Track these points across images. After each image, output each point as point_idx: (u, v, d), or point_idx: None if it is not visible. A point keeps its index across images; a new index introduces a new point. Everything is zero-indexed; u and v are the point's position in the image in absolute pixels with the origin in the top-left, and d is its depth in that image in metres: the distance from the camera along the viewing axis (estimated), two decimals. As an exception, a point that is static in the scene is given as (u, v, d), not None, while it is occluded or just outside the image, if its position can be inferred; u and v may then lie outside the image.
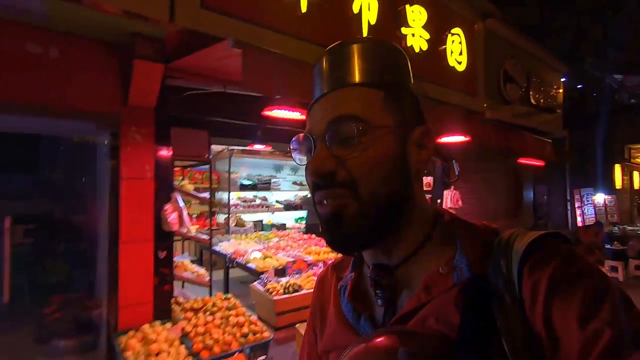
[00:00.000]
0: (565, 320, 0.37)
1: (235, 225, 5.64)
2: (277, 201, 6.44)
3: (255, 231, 5.37)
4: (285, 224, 6.05)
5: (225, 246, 4.16)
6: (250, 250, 3.77)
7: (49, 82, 1.95)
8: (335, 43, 0.51)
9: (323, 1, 2.51)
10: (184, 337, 2.16)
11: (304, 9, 2.25)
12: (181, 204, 2.34)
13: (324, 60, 0.51)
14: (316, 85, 0.52)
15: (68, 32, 1.99)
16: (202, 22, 1.83)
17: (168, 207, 2.27)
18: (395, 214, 0.47)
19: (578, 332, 0.36)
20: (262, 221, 5.97)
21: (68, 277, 2.75)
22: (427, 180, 4.66)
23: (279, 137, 3.77)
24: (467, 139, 3.21)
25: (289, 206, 6.27)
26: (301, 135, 0.50)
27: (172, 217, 2.26)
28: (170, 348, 1.99)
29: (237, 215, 5.87)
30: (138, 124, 2.23)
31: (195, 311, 2.44)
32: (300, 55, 2.06)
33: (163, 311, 2.32)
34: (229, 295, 2.72)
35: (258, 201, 6.03)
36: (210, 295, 2.94)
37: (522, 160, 4.25)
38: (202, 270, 3.14)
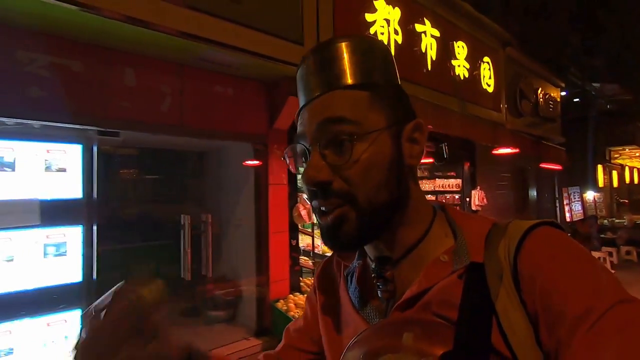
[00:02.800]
0: (559, 300, 0.38)
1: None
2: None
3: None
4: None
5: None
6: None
7: (227, 113, 2.63)
8: (318, 44, 0.50)
9: (404, 43, 3.28)
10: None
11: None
12: (307, 203, 3.04)
13: (309, 62, 0.50)
14: (302, 89, 0.51)
15: (242, 76, 2.67)
16: None
17: (299, 205, 2.97)
18: (393, 213, 0.48)
19: (571, 310, 0.37)
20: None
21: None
22: (457, 181, 5.47)
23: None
24: (516, 150, 4.03)
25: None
26: (292, 145, 0.50)
27: (303, 213, 2.96)
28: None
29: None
30: (278, 142, 2.92)
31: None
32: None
33: (295, 286, 3.00)
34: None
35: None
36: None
37: (544, 165, 5.11)
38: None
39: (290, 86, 2.72)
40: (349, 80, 0.47)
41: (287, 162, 0.52)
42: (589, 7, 10.88)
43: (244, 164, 2.94)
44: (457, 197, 5.49)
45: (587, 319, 0.35)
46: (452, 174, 5.54)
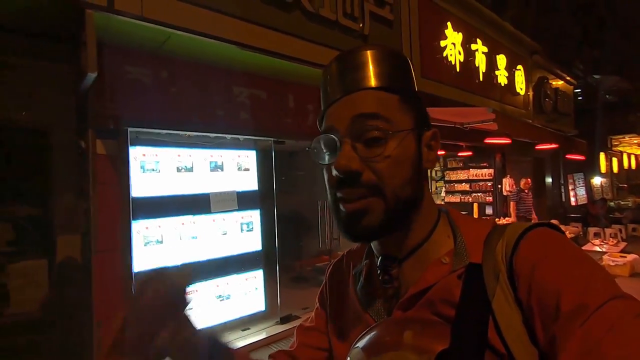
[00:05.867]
0: (553, 296, 0.39)
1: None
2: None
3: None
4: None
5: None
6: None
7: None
8: (347, 50, 0.53)
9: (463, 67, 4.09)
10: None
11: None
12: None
13: (338, 64, 0.53)
14: (333, 86, 0.52)
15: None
16: (422, 86, 3.35)
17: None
18: (412, 210, 0.50)
19: (564, 306, 0.37)
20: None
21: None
22: (489, 171, 6.33)
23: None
24: (556, 146, 4.91)
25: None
26: (324, 135, 0.51)
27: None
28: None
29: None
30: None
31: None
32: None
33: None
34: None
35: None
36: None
37: (569, 156, 5.96)
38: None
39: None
40: (380, 83, 0.49)
41: (314, 153, 0.53)
42: (588, 1, 11.58)
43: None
44: (489, 184, 6.35)
45: (580, 315, 0.36)
46: (485, 164, 6.39)
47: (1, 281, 1.87)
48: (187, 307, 0.50)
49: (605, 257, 4.50)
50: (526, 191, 5.64)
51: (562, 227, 5.56)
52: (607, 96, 14.05)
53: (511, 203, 5.64)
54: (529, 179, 5.53)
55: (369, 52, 0.51)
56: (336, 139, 0.49)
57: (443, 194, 7.05)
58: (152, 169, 2.44)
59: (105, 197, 2.06)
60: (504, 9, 6.13)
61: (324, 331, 0.65)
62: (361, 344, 0.47)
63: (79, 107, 2.02)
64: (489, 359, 0.40)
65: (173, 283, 0.48)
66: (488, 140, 4.54)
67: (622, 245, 5.44)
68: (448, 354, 0.40)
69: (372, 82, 0.49)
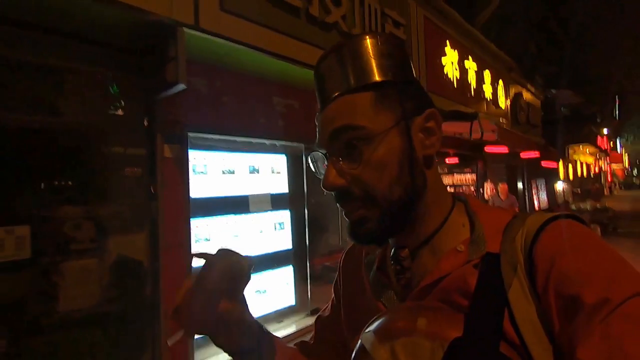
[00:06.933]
0: (574, 289, 0.37)
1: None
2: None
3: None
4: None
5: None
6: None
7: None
8: (322, 54, 0.51)
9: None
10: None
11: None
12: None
13: (315, 73, 0.52)
14: (317, 95, 0.52)
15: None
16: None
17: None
18: (413, 205, 0.48)
19: (587, 299, 0.36)
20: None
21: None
22: (472, 176, 6.88)
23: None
24: (537, 154, 5.50)
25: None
26: (314, 153, 0.53)
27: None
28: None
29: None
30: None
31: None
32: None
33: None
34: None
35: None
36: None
37: (544, 164, 6.65)
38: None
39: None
40: (352, 84, 0.48)
41: (311, 167, 0.54)
42: (545, 18, 12.71)
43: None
44: (472, 188, 6.90)
45: (603, 309, 0.35)
46: (468, 170, 6.95)
47: (80, 274, 1.99)
48: (246, 288, 0.53)
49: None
50: (502, 198, 6.21)
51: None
52: (562, 109, 15.36)
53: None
54: (505, 185, 6.11)
55: (334, 55, 0.50)
56: (323, 154, 0.51)
57: (428, 197, 7.54)
58: (202, 171, 2.61)
59: (170, 197, 2.22)
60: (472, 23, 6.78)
61: (338, 321, 0.65)
62: (373, 327, 0.45)
63: (149, 114, 2.18)
64: (503, 349, 0.39)
65: (240, 262, 0.51)
66: (488, 150, 5.02)
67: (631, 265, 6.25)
68: (462, 342, 0.39)
69: (342, 86, 0.48)
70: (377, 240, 0.51)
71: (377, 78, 0.48)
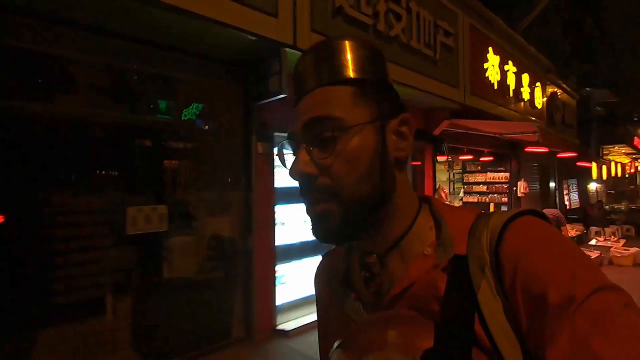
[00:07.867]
0: (539, 288, 0.38)
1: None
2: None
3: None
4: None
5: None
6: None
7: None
8: (309, 47, 0.51)
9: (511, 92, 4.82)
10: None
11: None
12: (446, 188, 4.54)
13: (298, 63, 0.52)
14: (295, 87, 0.52)
15: (419, 108, 4.13)
16: (471, 102, 4.04)
17: (439, 190, 4.49)
18: (379, 206, 0.48)
19: (551, 298, 0.37)
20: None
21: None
22: (506, 174, 7.09)
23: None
24: (575, 154, 5.69)
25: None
26: (284, 141, 0.51)
27: (442, 195, 4.47)
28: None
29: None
30: (427, 151, 4.41)
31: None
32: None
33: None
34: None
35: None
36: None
37: (580, 163, 6.75)
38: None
39: (448, 112, 4.19)
40: (331, 78, 0.48)
41: (278, 158, 0.53)
42: (580, 18, 12.50)
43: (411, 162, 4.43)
44: (505, 186, 7.11)
45: (569, 307, 0.35)
46: (502, 168, 7.16)
47: (189, 247, 2.47)
48: None
49: (612, 250, 5.32)
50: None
51: (568, 226, 6.32)
52: (597, 108, 15.01)
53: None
54: (525, 182, 6.39)
55: (323, 48, 0.50)
56: (295, 145, 0.49)
57: (462, 194, 7.79)
58: (279, 165, 3.04)
59: (261, 186, 2.67)
60: (514, 27, 6.93)
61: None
62: (342, 345, 0.45)
63: (247, 117, 2.62)
64: (475, 355, 0.39)
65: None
66: (529, 150, 5.26)
67: (623, 241, 6.33)
68: (433, 353, 0.39)
69: (323, 78, 0.48)
70: (338, 239, 0.49)
71: (357, 75, 0.48)
